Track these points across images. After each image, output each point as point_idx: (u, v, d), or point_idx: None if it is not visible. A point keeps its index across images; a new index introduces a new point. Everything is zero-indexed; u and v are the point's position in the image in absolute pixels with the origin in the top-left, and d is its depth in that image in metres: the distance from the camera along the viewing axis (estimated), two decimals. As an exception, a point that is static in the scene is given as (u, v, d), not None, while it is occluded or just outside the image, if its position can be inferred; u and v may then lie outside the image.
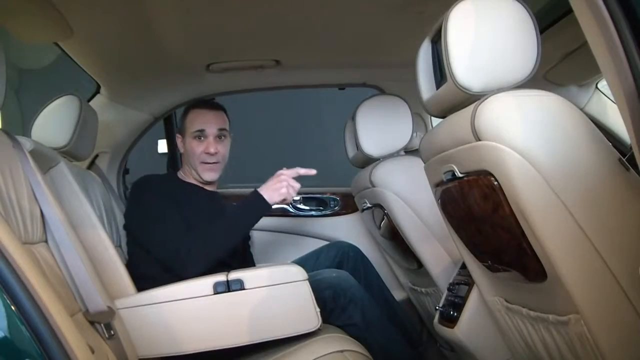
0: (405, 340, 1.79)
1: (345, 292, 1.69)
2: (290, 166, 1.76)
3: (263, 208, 1.69)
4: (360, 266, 2.00)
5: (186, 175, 1.96)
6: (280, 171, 1.73)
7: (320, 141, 4.29)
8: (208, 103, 1.97)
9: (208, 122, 1.90)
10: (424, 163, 1.40)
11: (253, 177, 2.61)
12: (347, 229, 2.38)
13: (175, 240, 1.65)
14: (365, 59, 2.15)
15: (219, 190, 2.05)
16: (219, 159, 1.90)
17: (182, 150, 1.96)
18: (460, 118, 1.12)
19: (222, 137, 1.91)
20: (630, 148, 0.84)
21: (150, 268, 1.69)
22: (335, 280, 1.72)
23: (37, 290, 0.90)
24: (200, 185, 1.94)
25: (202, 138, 1.89)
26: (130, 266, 1.73)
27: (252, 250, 2.16)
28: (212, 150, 1.87)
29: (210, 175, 1.90)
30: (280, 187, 1.69)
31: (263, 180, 1.75)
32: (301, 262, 1.94)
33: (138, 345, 1.40)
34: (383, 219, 1.91)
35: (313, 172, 1.75)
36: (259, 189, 1.71)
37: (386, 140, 1.92)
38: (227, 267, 1.63)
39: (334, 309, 1.67)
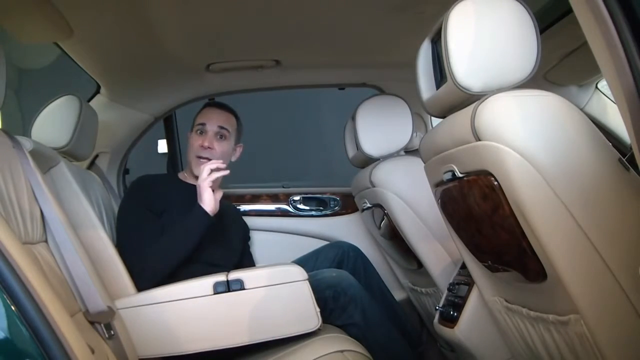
0: (405, 340, 1.79)
1: (345, 291, 1.69)
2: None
3: (202, 217, 1.66)
4: (360, 266, 2.00)
5: (187, 175, 1.95)
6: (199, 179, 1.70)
7: (320, 141, 4.29)
8: (219, 104, 1.97)
9: (210, 118, 1.90)
10: (424, 163, 1.40)
11: (253, 177, 2.62)
12: (347, 229, 2.38)
13: (135, 252, 1.65)
14: (365, 59, 2.15)
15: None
16: (214, 156, 1.86)
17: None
18: (460, 118, 1.12)
19: (222, 137, 1.90)
20: (630, 148, 0.84)
21: None
22: (335, 280, 1.72)
23: (37, 290, 0.90)
24: None
25: (202, 133, 1.89)
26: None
27: (252, 250, 2.16)
28: (206, 143, 1.86)
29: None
30: (202, 189, 1.67)
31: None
32: (301, 262, 1.94)
33: (138, 345, 1.40)
34: (383, 219, 1.91)
35: (223, 169, 1.71)
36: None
37: (386, 140, 1.92)
38: (221, 268, 1.63)
39: (334, 309, 1.67)
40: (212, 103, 1.99)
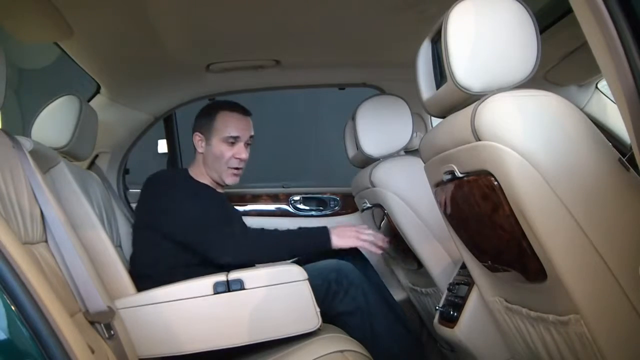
0: (405, 331, 1.81)
1: (347, 275, 1.71)
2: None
3: (323, 244, 1.75)
4: (359, 266, 2.00)
5: (199, 174, 1.95)
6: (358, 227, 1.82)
7: (320, 141, 4.29)
8: (241, 108, 1.97)
9: (243, 129, 1.92)
10: (424, 163, 1.40)
11: (253, 177, 2.62)
12: (347, 229, 2.37)
13: (230, 226, 1.74)
14: (365, 59, 2.15)
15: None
16: (244, 165, 1.94)
17: (200, 150, 1.94)
18: (460, 118, 1.12)
19: (249, 144, 1.95)
20: (630, 148, 0.84)
21: (154, 268, 1.70)
22: (337, 265, 1.74)
23: (37, 290, 0.90)
24: (213, 186, 1.95)
25: (235, 143, 1.90)
26: (133, 265, 1.73)
27: (252, 250, 2.16)
28: (244, 156, 1.90)
29: (233, 179, 1.92)
30: (349, 234, 1.77)
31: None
32: (299, 262, 1.94)
33: (138, 345, 1.40)
34: (383, 219, 1.91)
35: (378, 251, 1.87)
36: (330, 228, 1.78)
37: (386, 140, 1.92)
38: (224, 268, 1.63)
39: (337, 291, 1.68)
40: (235, 107, 1.95)
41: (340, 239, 1.76)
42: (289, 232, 1.78)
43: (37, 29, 1.61)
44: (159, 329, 1.46)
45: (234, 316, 1.48)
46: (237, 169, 1.91)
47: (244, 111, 1.95)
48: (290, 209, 2.45)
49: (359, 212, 2.20)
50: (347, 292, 1.69)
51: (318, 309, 1.50)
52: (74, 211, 1.60)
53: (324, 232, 1.76)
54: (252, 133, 1.94)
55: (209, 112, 1.95)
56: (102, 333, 1.20)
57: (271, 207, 2.46)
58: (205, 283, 1.49)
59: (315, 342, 1.47)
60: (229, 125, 1.90)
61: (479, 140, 1.06)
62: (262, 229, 1.80)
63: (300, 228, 1.85)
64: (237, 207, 2.33)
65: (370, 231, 1.85)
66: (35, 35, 1.67)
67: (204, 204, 1.79)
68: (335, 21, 1.76)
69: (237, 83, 2.29)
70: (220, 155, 1.89)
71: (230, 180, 1.92)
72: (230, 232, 1.71)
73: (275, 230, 1.78)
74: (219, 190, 1.96)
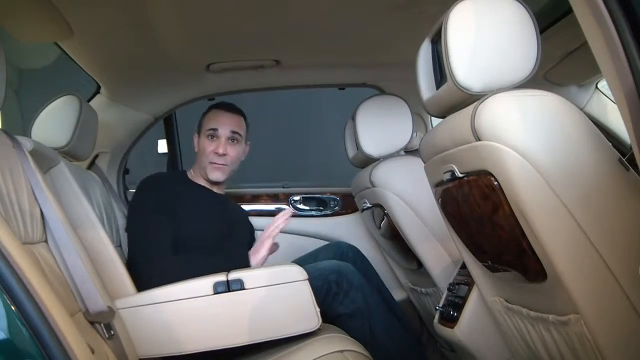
0: (404, 331, 1.81)
1: (346, 276, 1.71)
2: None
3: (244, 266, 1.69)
4: (359, 267, 1.99)
5: (195, 175, 1.96)
6: (263, 234, 1.74)
7: (320, 141, 4.29)
8: (227, 105, 1.97)
9: (222, 122, 1.90)
10: (424, 163, 1.40)
11: (253, 177, 2.62)
12: (347, 229, 2.38)
13: (157, 249, 1.67)
14: (365, 59, 2.15)
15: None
16: (228, 161, 1.90)
17: (196, 149, 1.97)
18: (460, 118, 1.12)
19: (235, 141, 1.92)
20: (630, 148, 0.84)
21: None
22: (338, 267, 1.74)
23: (37, 290, 0.90)
24: (208, 187, 1.94)
25: (214, 137, 1.90)
26: (132, 266, 1.73)
27: (252, 250, 2.16)
28: (220, 150, 1.88)
29: (215, 174, 1.90)
30: (260, 243, 1.73)
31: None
32: (300, 262, 1.94)
33: (138, 345, 1.40)
34: (383, 219, 1.91)
35: (288, 213, 1.75)
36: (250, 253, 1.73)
37: (386, 140, 1.93)
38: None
39: (337, 292, 1.69)
40: (221, 105, 1.98)
41: (256, 255, 1.71)
42: (211, 265, 1.67)
43: (37, 29, 1.61)
44: (159, 329, 1.46)
45: (234, 316, 1.48)
46: (217, 163, 1.89)
47: (230, 108, 1.95)
48: (290, 209, 2.45)
49: (359, 212, 2.21)
50: (347, 294, 1.69)
51: (318, 309, 1.50)
52: (74, 211, 1.60)
53: (243, 261, 1.70)
54: (237, 130, 1.91)
55: (204, 112, 1.98)
56: (102, 333, 1.20)
57: (271, 207, 2.46)
58: (205, 283, 1.49)
59: (315, 342, 1.47)
60: (210, 119, 1.93)
61: (479, 140, 1.06)
62: (186, 259, 1.69)
63: (223, 254, 1.76)
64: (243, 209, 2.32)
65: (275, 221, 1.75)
66: (35, 35, 1.67)
67: (160, 218, 1.73)
68: (335, 21, 1.76)
69: (237, 83, 2.29)
70: (202, 150, 1.91)
71: (212, 174, 1.89)
72: (157, 264, 1.64)
73: (202, 262, 1.69)
74: (216, 190, 1.95)
